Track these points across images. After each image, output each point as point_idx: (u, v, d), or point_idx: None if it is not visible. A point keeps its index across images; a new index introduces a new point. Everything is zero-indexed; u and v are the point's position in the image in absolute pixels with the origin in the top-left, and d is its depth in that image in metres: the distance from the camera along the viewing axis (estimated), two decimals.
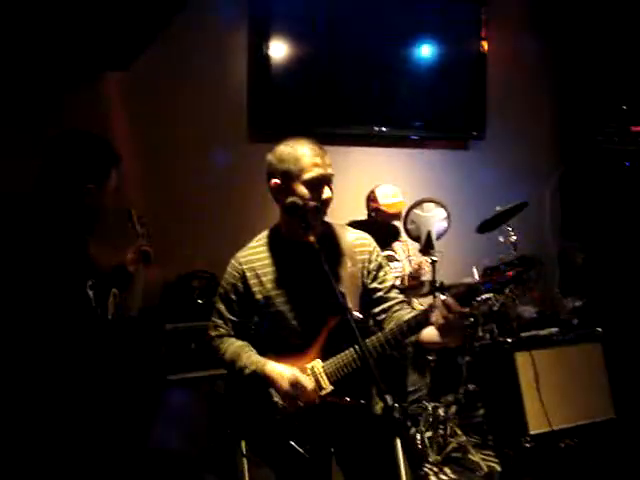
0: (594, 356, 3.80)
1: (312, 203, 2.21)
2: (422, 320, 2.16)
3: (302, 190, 2.22)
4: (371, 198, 4.28)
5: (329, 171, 2.26)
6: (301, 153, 2.24)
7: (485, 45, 4.94)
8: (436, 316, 2.09)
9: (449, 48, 4.90)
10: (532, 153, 5.24)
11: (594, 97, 5.17)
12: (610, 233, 5.17)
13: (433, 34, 4.87)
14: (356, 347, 2.05)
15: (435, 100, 4.88)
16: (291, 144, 2.27)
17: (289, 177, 2.23)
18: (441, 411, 4.02)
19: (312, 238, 2.13)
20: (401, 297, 2.45)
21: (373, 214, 4.24)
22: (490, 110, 4.94)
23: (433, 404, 4.05)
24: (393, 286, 2.44)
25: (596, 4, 5.16)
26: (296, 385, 2.22)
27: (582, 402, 3.73)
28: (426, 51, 4.87)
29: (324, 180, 2.24)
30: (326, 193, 2.25)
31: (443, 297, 2.10)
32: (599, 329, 3.90)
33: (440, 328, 2.11)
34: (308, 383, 2.22)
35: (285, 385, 2.23)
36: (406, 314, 2.33)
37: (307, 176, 2.21)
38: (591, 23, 5.23)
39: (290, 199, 2.22)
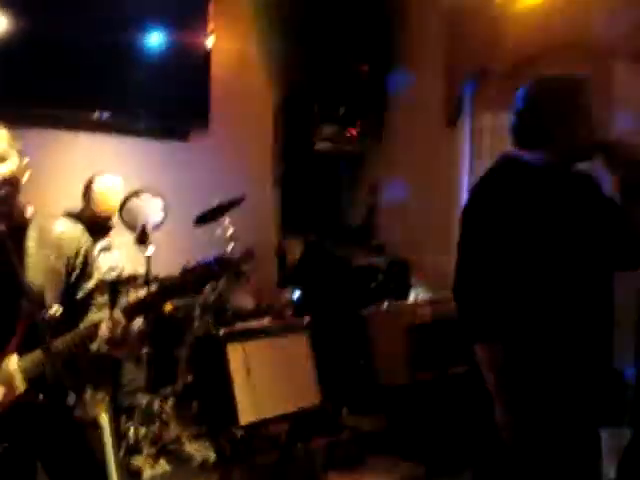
0: (302, 345, 3.97)
1: None
2: (88, 335, 2.15)
3: None
4: (87, 187, 4.11)
5: None
6: None
7: (211, 39, 4.95)
8: (103, 331, 2.10)
9: (176, 39, 4.85)
10: (254, 149, 5.35)
11: (315, 98, 5.40)
12: (325, 229, 5.47)
13: (161, 23, 4.79)
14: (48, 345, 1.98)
15: (160, 90, 4.80)
16: None
17: None
18: (156, 404, 3.97)
19: None
20: (103, 299, 2.38)
21: (88, 204, 4.08)
22: (214, 103, 4.95)
23: (149, 397, 3.99)
24: (97, 286, 2.36)
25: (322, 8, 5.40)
26: None
27: (291, 390, 3.87)
28: (154, 40, 4.78)
29: None
30: None
31: (115, 311, 2.12)
32: (306, 318, 4.07)
33: (107, 342, 2.12)
34: None
35: None
36: (97, 319, 2.24)
37: None
38: (314, 27, 5.47)
39: None
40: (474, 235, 2.30)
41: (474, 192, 2.39)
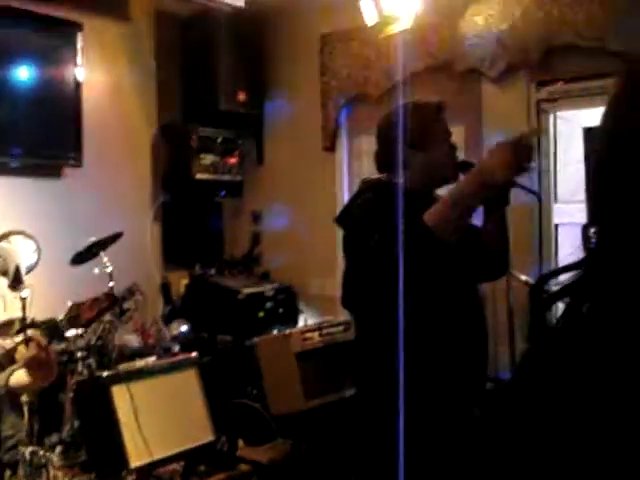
0: (191, 381, 3.89)
1: None
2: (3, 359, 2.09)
3: None
4: None
5: None
6: None
7: (81, 71, 4.83)
8: (22, 353, 2.03)
9: (47, 72, 4.69)
10: (131, 182, 5.25)
11: (192, 128, 5.36)
12: (209, 260, 5.41)
13: (31, 57, 4.62)
14: None
15: (33, 126, 4.63)
16: None
17: None
18: (42, 453, 3.79)
19: None
20: None
21: None
22: (88, 137, 4.82)
23: (32, 448, 3.79)
24: None
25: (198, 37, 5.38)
26: None
27: (182, 428, 3.79)
28: (23, 74, 4.60)
29: None
30: None
31: (30, 334, 2.07)
32: (195, 354, 4.01)
33: (28, 366, 2.05)
34: None
35: None
36: None
37: None
38: (190, 55, 5.44)
39: None
40: (357, 253, 2.32)
41: (350, 218, 2.42)
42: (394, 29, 4.25)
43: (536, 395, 0.81)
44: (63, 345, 3.89)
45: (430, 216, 2.11)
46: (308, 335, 4.40)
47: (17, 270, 3.53)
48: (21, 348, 2.10)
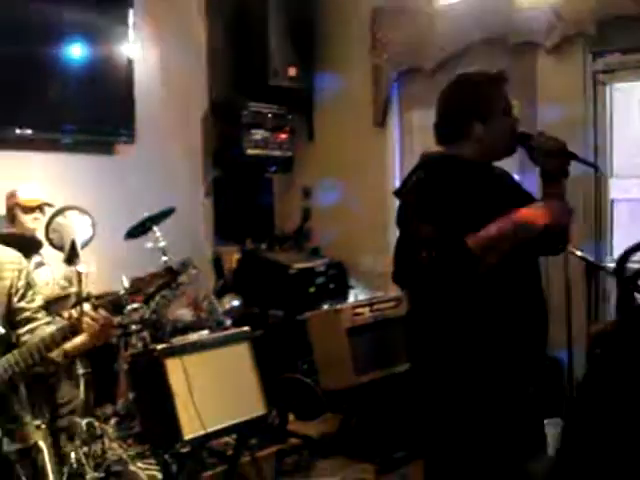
0: (243, 355, 3.91)
1: None
2: (68, 331, 2.27)
3: None
4: (11, 198, 4.02)
5: None
6: None
7: (133, 48, 4.86)
8: (83, 326, 2.23)
9: (99, 49, 4.75)
10: (183, 158, 5.28)
11: (243, 104, 5.36)
12: (260, 235, 5.44)
13: (82, 34, 4.67)
14: None
15: (84, 103, 4.69)
16: None
17: None
18: (97, 424, 3.87)
19: None
20: (48, 319, 2.47)
21: (12, 215, 4.00)
22: (140, 114, 4.86)
23: (88, 418, 3.88)
24: (41, 307, 2.47)
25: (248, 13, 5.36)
26: None
27: (234, 402, 3.82)
28: (76, 51, 4.66)
29: None
30: None
31: (89, 307, 2.17)
32: (247, 328, 4.03)
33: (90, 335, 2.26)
34: None
35: None
36: (49, 330, 2.37)
37: None
38: (240, 31, 5.43)
39: None
40: (418, 224, 2.29)
41: (409, 190, 2.38)
42: None
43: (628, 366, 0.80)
44: (119, 318, 3.95)
45: (475, 241, 2.15)
46: (359, 310, 4.40)
47: (73, 245, 3.58)
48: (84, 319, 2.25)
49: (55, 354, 2.39)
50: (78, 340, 2.38)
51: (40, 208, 4.00)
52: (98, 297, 2.47)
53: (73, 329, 2.28)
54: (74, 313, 2.38)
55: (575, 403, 2.37)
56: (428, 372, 2.33)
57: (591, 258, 3.57)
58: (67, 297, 3.88)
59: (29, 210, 3.98)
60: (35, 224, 3.98)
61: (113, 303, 2.39)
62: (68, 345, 2.39)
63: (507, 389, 2.30)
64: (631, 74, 4.28)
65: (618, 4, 3.98)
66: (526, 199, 2.40)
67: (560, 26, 4.23)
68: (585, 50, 4.26)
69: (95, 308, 2.34)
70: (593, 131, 4.29)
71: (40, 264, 3.94)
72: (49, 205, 4.00)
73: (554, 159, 2.34)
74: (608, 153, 4.39)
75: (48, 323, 2.45)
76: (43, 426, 2.65)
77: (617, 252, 4.33)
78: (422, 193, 2.28)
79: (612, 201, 4.39)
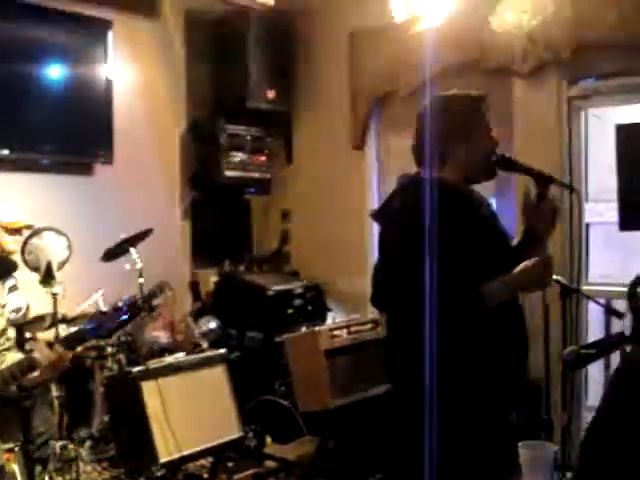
0: (219, 377, 3.91)
1: None
2: (26, 366, 2.22)
3: None
4: None
5: None
6: None
7: (111, 69, 4.86)
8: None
9: (77, 70, 4.73)
10: (161, 179, 5.28)
11: (222, 126, 5.37)
12: (238, 257, 5.42)
13: (62, 55, 4.67)
14: None
15: (64, 124, 4.66)
16: None
17: None
18: (71, 447, 3.82)
19: None
20: (9, 343, 2.56)
21: None
22: (118, 135, 4.86)
23: (62, 442, 3.83)
24: (4, 329, 2.40)
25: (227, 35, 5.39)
26: None
27: (210, 424, 3.81)
28: (54, 72, 4.65)
29: None
30: None
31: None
32: (224, 350, 4.02)
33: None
34: None
35: None
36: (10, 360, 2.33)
37: None
38: (218, 54, 5.46)
39: None
40: (400, 249, 2.27)
41: (395, 217, 2.37)
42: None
43: None
44: (94, 341, 3.92)
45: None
46: (336, 333, 4.39)
47: (49, 266, 3.56)
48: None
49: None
50: (35, 373, 2.41)
51: (20, 230, 3.96)
52: (72, 319, 2.48)
53: (31, 364, 2.30)
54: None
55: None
56: (409, 394, 2.31)
57: (565, 281, 3.59)
58: (42, 318, 3.85)
59: (13, 232, 3.93)
60: (16, 246, 3.94)
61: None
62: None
63: (488, 415, 2.29)
64: (606, 100, 4.34)
65: (593, 30, 4.04)
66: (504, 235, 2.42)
67: (535, 51, 4.29)
68: (560, 75, 4.32)
69: (50, 346, 2.36)
70: (568, 156, 4.34)
71: (13, 288, 3.87)
72: (30, 228, 3.96)
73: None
74: (583, 177, 4.43)
75: (7, 349, 2.45)
76: (16, 449, 2.62)
77: (592, 276, 4.39)
78: (411, 220, 2.22)
79: (587, 225, 4.43)
